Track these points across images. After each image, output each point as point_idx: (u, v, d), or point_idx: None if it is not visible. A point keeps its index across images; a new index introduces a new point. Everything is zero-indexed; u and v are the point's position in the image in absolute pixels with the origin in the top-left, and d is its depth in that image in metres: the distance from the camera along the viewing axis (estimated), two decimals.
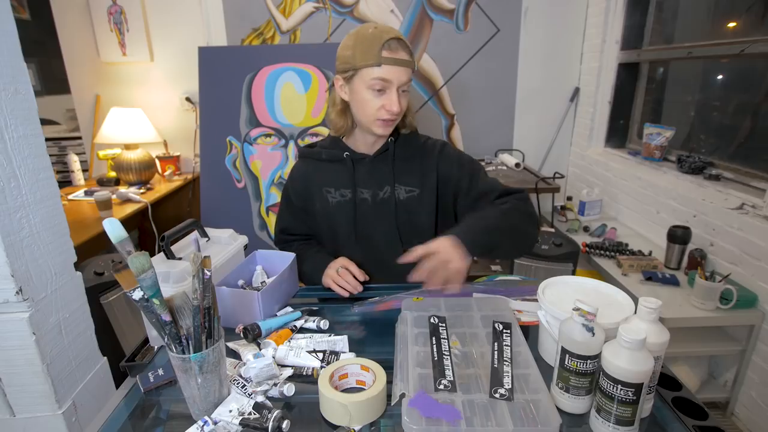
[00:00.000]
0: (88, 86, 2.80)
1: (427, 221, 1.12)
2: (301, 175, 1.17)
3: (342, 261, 1.10)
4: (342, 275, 1.07)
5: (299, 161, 1.20)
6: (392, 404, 0.69)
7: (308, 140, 2.23)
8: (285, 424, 0.65)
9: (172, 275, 0.88)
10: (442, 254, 0.90)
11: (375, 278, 1.13)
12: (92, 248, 1.83)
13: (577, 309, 0.64)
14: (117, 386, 1.16)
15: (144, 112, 2.68)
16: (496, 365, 0.72)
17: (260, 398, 0.71)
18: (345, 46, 1.01)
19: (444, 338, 0.79)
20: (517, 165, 2.56)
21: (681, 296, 1.67)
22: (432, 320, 0.83)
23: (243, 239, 1.14)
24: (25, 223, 0.93)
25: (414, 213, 1.12)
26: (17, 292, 0.90)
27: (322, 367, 0.79)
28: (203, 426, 0.65)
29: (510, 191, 1.07)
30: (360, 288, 1.06)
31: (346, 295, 1.06)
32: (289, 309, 0.99)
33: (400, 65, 0.97)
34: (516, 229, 1.00)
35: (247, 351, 0.83)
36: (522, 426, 0.61)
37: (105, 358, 1.17)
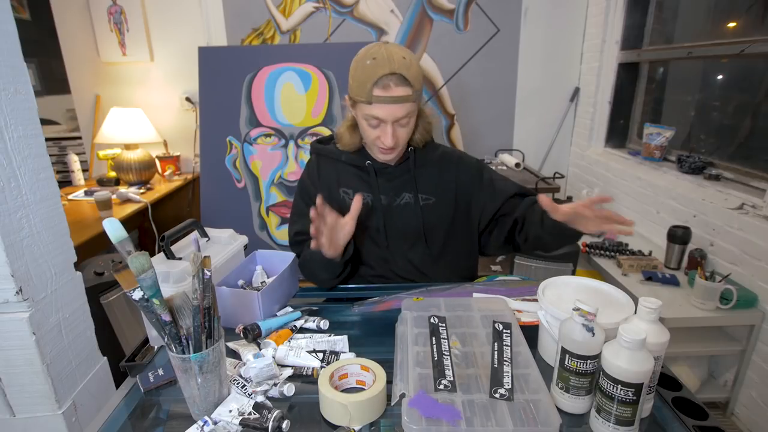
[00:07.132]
0: (88, 86, 2.80)
1: (441, 227, 1.14)
2: (318, 170, 1.16)
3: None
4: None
5: (313, 157, 1.19)
6: (392, 404, 0.69)
7: (308, 140, 2.23)
8: (285, 424, 0.65)
9: (172, 275, 0.88)
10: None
11: (398, 275, 1.15)
12: (92, 248, 1.83)
13: (577, 309, 0.64)
14: (117, 386, 1.17)
15: (144, 112, 2.68)
16: (496, 365, 0.72)
17: (260, 398, 0.71)
18: (351, 68, 1.01)
19: (444, 338, 0.79)
20: (517, 165, 2.56)
21: (681, 296, 1.66)
22: (432, 320, 0.83)
23: (243, 239, 1.14)
24: (25, 223, 0.93)
25: (429, 219, 1.13)
26: (17, 292, 0.90)
27: (322, 367, 0.79)
28: (203, 426, 0.65)
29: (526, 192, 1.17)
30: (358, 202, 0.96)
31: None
32: (289, 309, 0.99)
33: (392, 102, 0.94)
34: None
35: (247, 351, 0.83)
36: (522, 426, 0.61)
37: (105, 358, 1.17)
